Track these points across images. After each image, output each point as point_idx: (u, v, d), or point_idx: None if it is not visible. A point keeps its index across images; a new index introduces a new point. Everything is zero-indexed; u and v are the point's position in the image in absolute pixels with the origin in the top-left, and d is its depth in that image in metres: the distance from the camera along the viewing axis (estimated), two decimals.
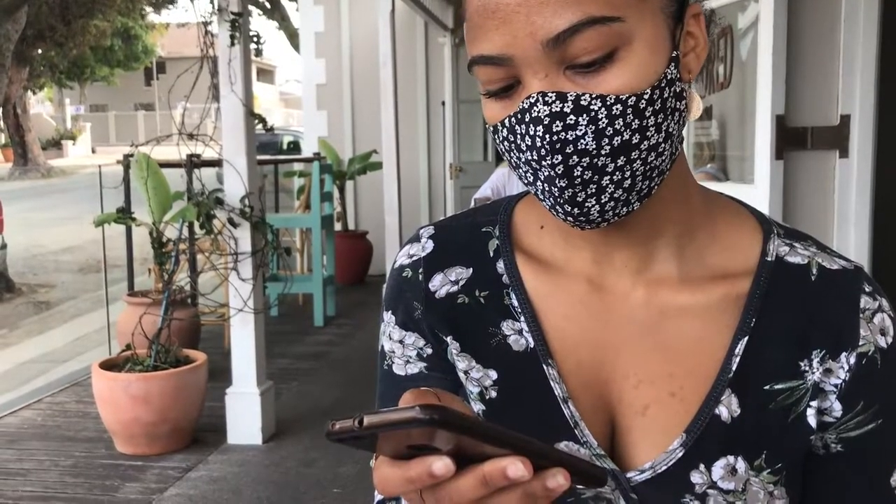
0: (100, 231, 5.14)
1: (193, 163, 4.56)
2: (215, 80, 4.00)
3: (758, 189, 2.78)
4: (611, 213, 0.65)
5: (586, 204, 0.64)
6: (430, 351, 0.76)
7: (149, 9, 25.65)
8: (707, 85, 3.22)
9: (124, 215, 4.75)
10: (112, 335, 5.42)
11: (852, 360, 0.69)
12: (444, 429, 0.46)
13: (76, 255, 11.05)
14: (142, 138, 4.66)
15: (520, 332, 0.73)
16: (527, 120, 0.62)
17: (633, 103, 0.61)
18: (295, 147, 16.95)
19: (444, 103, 8.68)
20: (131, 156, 4.82)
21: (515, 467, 0.48)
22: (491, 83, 0.64)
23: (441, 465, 0.48)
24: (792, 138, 2.79)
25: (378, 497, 0.79)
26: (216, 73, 3.98)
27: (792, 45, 2.75)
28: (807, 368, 0.69)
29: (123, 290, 5.73)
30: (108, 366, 4.01)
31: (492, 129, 0.67)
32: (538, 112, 0.61)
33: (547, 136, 0.61)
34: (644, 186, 0.65)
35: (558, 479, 0.49)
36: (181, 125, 4.04)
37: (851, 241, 2.80)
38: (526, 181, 0.66)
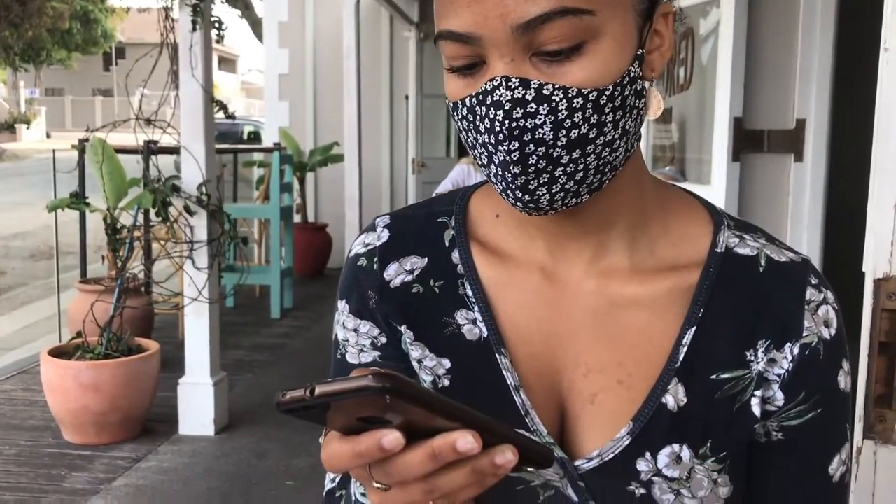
0: (52, 217, 5.04)
1: (151, 149, 4.49)
2: (175, 66, 3.93)
3: (714, 190, 2.82)
4: (560, 203, 0.65)
5: (537, 192, 0.64)
6: (384, 340, 0.76)
7: None
8: (668, 87, 3.26)
9: (78, 200, 4.66)
10: (63, 323, 5.31)
11: (796, 351, 0.70)
12: (396, 397, 0.45)
13: (27, 241, 10.81)
14: (99, 124, 4.57)
15: (474, 321, 0.73)
16: (488, 102, 0.62)
17: (594, 98, 0.62)
18: (255, 137, 16.74)
19: (407, 97, 8.65)
20: (87, 140, 4.73)
21: (465, 440, 0.48)
22: (455, 59, 0.64)
23: (391, 438, 0.47)
24: (749, 140, 2.84)
25: (328, 486, 0.79)
26: (176, 59, 3.92)
27: (751, 51, 2.79)
28: (752, 358, 0.70)
29: (76, 277, 5.61)
30: (58, 353, 3.93)
31: (451, 105, 0.67)
32: (500, 96, 0.61)
33: (506, 121, 0.61)
34: (595, 180, 0.65)
35: (507, 455, 0.49)
36: (139, 111, 3.97)
37: (804, 243, 2.85)
38: (480, 162, 0.66)
